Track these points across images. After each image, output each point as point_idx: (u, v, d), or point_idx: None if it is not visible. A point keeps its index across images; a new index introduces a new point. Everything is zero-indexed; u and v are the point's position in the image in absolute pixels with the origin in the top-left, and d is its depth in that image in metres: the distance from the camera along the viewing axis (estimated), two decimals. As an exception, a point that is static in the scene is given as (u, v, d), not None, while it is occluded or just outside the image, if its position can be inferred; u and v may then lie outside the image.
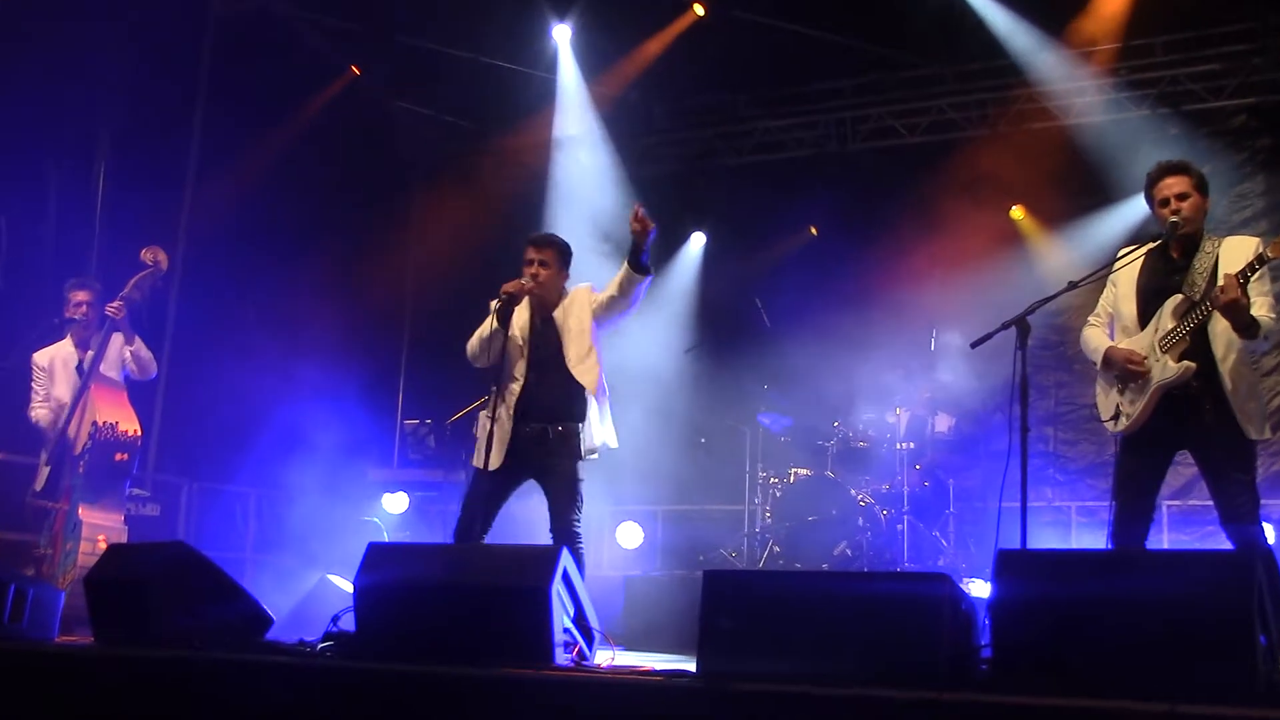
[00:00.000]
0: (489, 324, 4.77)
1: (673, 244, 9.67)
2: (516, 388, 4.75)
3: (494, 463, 4.68)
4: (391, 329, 10.05)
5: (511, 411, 4.71)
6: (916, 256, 8.52)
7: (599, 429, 4.77)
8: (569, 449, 4.69)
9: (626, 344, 8.70)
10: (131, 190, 7.47)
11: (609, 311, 4.79)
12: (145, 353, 5.69)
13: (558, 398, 4.71)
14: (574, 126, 9.42)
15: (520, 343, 4.80)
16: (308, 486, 7.55)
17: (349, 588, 3.97)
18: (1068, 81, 8.45)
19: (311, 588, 6.17)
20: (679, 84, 9.43)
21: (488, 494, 4.66)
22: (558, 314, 4.82)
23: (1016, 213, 8.92)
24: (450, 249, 9.38)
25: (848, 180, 9.18)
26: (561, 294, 4.87)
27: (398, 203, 9.95)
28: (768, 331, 8.35)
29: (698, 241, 9.88)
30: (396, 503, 7.92)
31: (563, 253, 4.88)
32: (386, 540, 7.16)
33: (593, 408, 4.74)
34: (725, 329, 9.14)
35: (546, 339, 4.79)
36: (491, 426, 4.71)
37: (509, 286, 4.71)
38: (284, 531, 7.70)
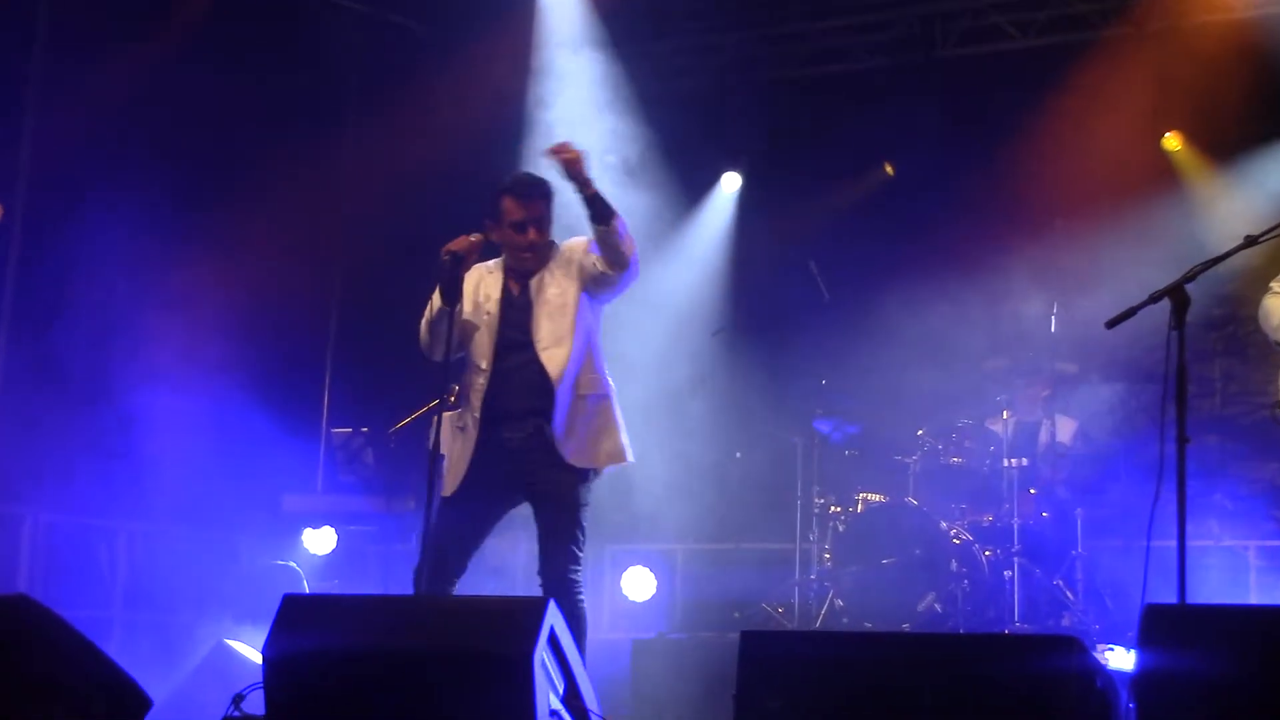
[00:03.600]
0: (434, 300, 4.78)
1: (696, 187, 9.65)
2: (481, 382, 4.76)
3: (450, 487, 4.71)
4: (315, 306, 10.04)
5: (477, 415, 4.73)
6: (1030, 204, 8.50)
7: (604, 438, 4.77)
8: (555, 460, 4.69)
9: (629, 324, 8.68)
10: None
11: (601, 287, 4.81)
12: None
13: (535, 393, 4.73)
14: (563, 29, 9.39)
15: (489, 321, 4.81)
16: (199, 519, 7.54)
17: (256, 656, 3.97)
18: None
19: (205, 657, 6.11)
20: (706, -30, 9.47)
21: (455, 529, 4.68)
22: (534, 281, 4.84)
23: (1171, 142, 8.88)
24: (395, 199, 9.35)
25: (935, 101, 9.16)
26: (548, 255, 4.88)
27: (323, 136, 9.90)
28: (826, 306, 8.34)
29: (730, 184, 9.86)
30: (321, 541, 7.93)
31: (551, 200, 4.89)
32: (307, 592, 7.11)
33: (581, 408, 4.75)
34: (767, 303, 9.14)
35: (520, 315, 4.82)
36: (455, 438, 4.72)
37: (454, 245, 4.72)
38: (166, 580, 7.69)
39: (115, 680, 3.96)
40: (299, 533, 7.94)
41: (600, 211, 4.62)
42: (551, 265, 4.84)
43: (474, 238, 4.75)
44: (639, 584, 8.65)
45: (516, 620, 3.52)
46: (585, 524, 4.71)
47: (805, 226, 9.32)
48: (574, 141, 4.65)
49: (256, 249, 8.83)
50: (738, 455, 9.02)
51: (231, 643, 6.10)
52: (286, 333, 9.26)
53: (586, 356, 4.80)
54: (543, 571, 4.64)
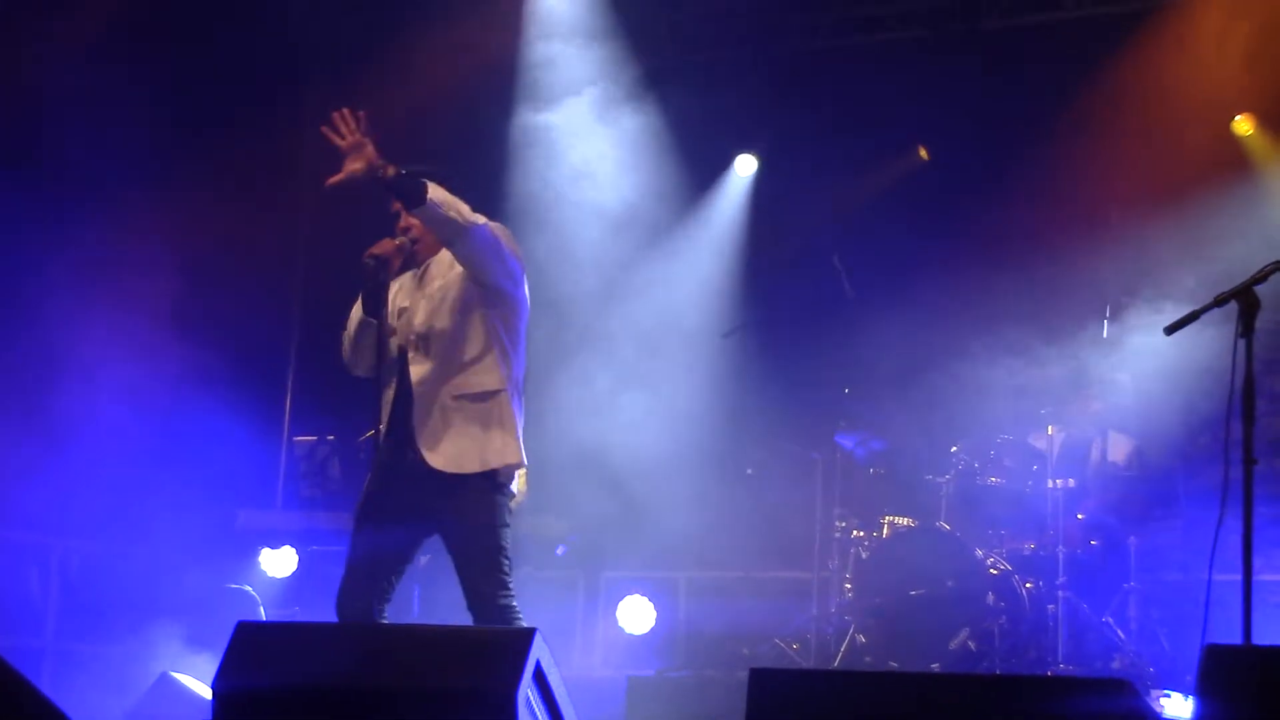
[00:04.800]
0: (355, 311, 4.83)
1: (707, 171, 9.65)
2: (389, 395, 4.84)
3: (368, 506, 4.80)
4: (274, 302, 10.04)
5: (384, 430, 4.81)
6: (1082, 194, 8.49)
7: (488, 439, 4.75)
8: (457, 480, 4.70)
9: (628, 324, 8.71)
10: None
11: (465, 267, 4.79)
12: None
13: (406, 400, 4.77)
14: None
15: (393, 328, 4.88)
16: (142, 536, 7.54)
17: (206, 691, 3.97)
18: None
19: (148, 691, 6.13)
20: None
21: (373, 553, 4.74)
22: (419, 273, 4.93)
23: (1242, 125, 8.87)
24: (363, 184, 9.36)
25: (976, 78, 9.15)
26: (437, 247, 4.91)
27: (283, 113, 9.89)
28: (850, 306, 8.33)
29: (745, 168, 9.87)
30: (280, 562, 7.94)
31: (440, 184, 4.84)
32: (264, 619, 7.15)
33: (460, 410, 4.74)
34: (785, 302, 9.12)
35: (409, 317, 4.88)
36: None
37: (377, 248, 4.79)
38: (106, 605, 7.69)
39: (47, 717, 3.95)
40: (256, 553, 7.93)
41: (404, 198, 4.65)
42: (439, 256, 4.88)
43: (398, 240, 4.80)
44: (636, 615, 8.62)
45: (498, 653, 3.52)
46: (503, 543, 4.69)
47: (828, 216, 9.31)
48: (344, 119, 4.71)
49: (208, 237, 8.81)
50: (749, 472, 9.02)
51: (178, 675, 6.10)
52: (243, 329, 9.24)
53: (475, 351, 4.78)
54: (469, 606, 4.66)
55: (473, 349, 4.77)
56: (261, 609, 7.55)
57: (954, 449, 7.63)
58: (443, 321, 4.77)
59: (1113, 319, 7.57)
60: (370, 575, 4.74)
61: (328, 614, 7.52)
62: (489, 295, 4.80)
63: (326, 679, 3.59)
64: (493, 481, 4.73)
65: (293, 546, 7.95)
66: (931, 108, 9.10)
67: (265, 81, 9.50)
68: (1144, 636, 7.14)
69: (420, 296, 4.84)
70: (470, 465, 4.71)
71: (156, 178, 8.56)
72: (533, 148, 9.01)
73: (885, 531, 7.53)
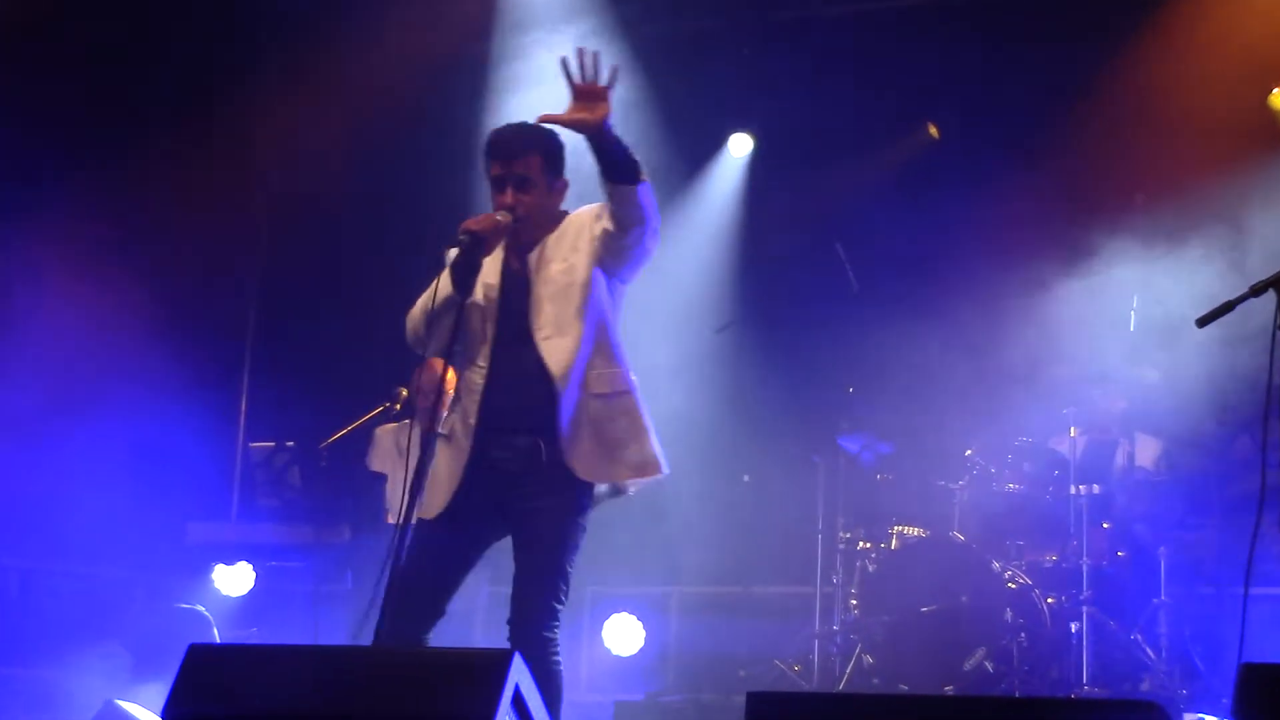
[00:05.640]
0: (437, 286, 4.70)
1: (698, 151, 9.66)
2: (479, 382, 4.74)
3: (438, 505, 4.66)
4: (228, 297, 10.04)
5: (472, 423, 4.70)
6: (1106, 174, 8.50)
7: (626, 446, 4.72)
8: (558, 481, 4.67)
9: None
10: None
11: (612, 256, 4.77)
12: None
13: (534, 395, 4.70)
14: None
15: (488, 308, 4.78)
16: (85, 553, 7.56)
17: (152, 721, 3.96)
18: None
19: (90, 721, 6.16)
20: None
21: (440, 554, 4.67)
22: (533, 256, 4.81)
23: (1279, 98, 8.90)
24: (329, 168, 9.36)
25: (990, 47, 9.16)
26: (551, 223, 4.85)
27: (238, 91, 9.88)
28: (854, 298, 8.35)
29: (740, 148, 9.89)
30: (235, 579, 7.94)
31: (551, 156, 4.82)
32: (218, 641, 7.08)
33: (593, 409, 4.71)
34: (783, 293, 9.13)
35: (519, 299, 4.79)
36: (423, 451, 4.66)
37: (475, 223, 4.66)
38: (44, 627, 7.68)
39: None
40: (209, 569, 7.94)
41: (614, 167, 4.56)
42: (556, 237, 4.82)
43: (501, 217, 4.68)
44: (624, 635, 8.64)
45: (474, 676, 3.50)
46: (571, 570, 4.67)
47: (830, 201, 9.33)
48: (589, 58, 4.50)
49: (156, 229, 8.81)
50: (745, 479, 9.03)
51: (123, 704, 6.09)
52: (194, 328, 9.25)
53: (599, 347, 4.77)
54: (513, 621, 4.61)
55: (595, 342, 4.75)
56: (215, 631, 7.53)
57: (968, 452, 7.63)
58: (562, 308, 4.73)
59: (1140, 310, 7.58)
60: (434, 593, 4.66)
61: (286, 635, 7.56)
62: (615, 290, 4.84)
63: (286, 707, 3.57)
64: (607, 492, 4.78)
65: (249, 562, 7.95)
66: (942, 81, 9.11)
67: (214, 68, 9.47)
68: (1175, 655, 7.14)
69: (539, 281, 4.75)
70: (603, 473, 4.71)
71: (105, 173, 8.55)
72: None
73: (894, 543, 7.54)
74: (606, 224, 4.70)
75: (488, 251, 4.67)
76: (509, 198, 4.72)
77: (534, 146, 4.78)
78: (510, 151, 4.77)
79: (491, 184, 4.77)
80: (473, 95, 9.12)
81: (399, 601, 4.35)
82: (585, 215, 4.83)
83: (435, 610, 4.66)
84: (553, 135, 4.79)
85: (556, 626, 4.62)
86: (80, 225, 8.49)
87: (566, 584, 4.65)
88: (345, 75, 9.32)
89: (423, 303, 4.76)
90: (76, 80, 8.46)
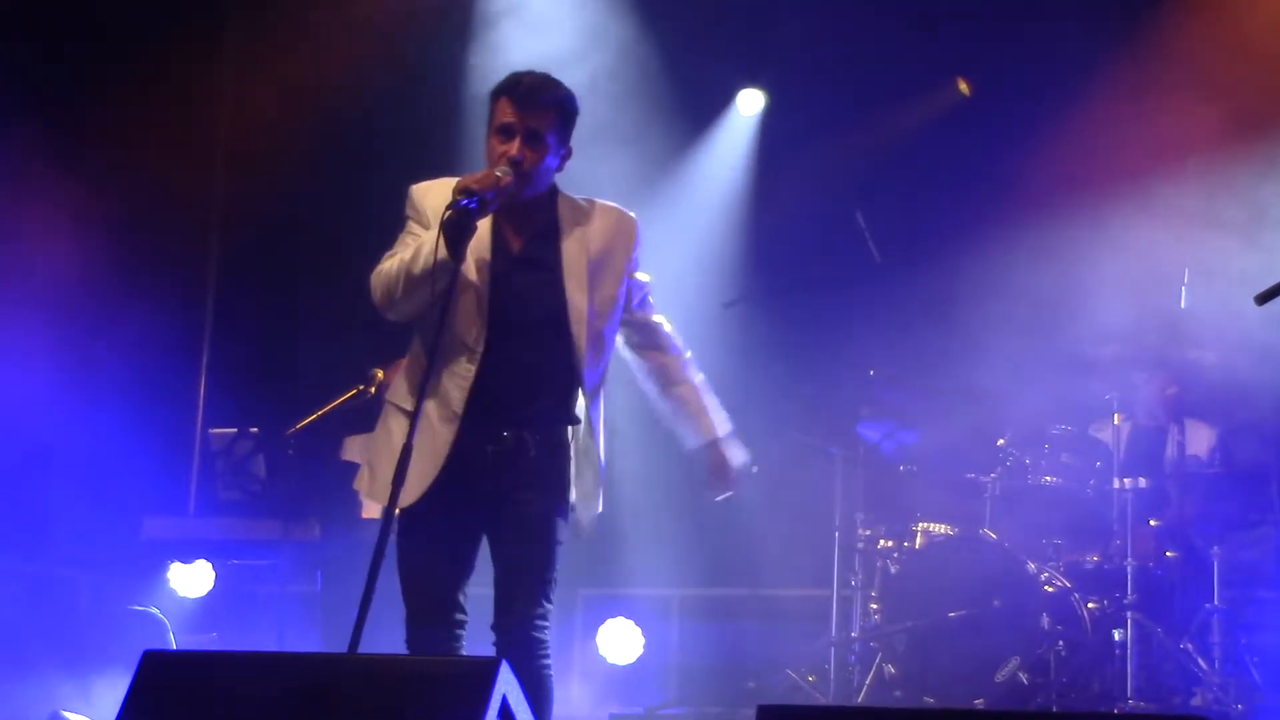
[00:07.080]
0: (426, 245, 4.63)
1: (707, 109, 9.69)
2: (469, 366, 4.72)
3: (414, 494, 4.62)
4: (186, 267, 10.03)
5: (459, 409, 4.69)
6: (1152, 135, 8.49)
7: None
8: (549, 481, 4.74)
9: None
10: None
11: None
12: None
13: (544, 380, 4.76)
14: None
15: (478, 284, 4.74)
16: (28, 550, 7.54)
17: (103, 734, 3.96)
18: None
19: (35, 736, 6.17)
20: None
21: (432, 558, 4.73)
22: (564, 241, 4.84)
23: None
24: (298, 125, 9.34)
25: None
26: (545, 194, 4.86)
27: (199, 41, 9.87)
28: (875, 271, 8.35)
29: (750, 104, 9.89)
30: (193, 579, 7.95)
31: (567, 119, 4.83)
32: (174, 647, 7.15)
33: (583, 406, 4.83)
34: (798, 266, 9.14)
35: (532, 274, 4.80)
36: (407, 438, 4.63)
37: (475, 181, 4.62)
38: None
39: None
40: (164, 568, 7.95)
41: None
42: (594, 231, 4.87)
43: (502, 174, 4.64)
44: (620, 642, 8.67)
45: (457, 686, 3.53)
46: (558, 564, 4.75)
47: (849, 164, 9.33)
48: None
49: (106, 197, 8.81)
50: (754, 470, 9.00)
51: (70, 716, 6.10)
52: (148, 305, 9.22)
53: (602, 348, 4.93)
54: (499, 624, 4.67)
55: (604, 344, 4.92)
56: (171, 635, 7.55)
57: (1000, 442, 7.66)
58: (601, 294, 4.87)
59: (1192, 286, 7.58)
60: (434, 581, 4.73)
61: (249, 640, 7.56)
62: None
63: (249, 717, 3.57)
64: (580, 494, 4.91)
65: (208, 560, 7.96)
66: (973, 34, 9.10)
67: (172, 18, 9.46)
68: (1230, 666, 7.15)
69: (577, 251, 4.82)
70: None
71: (50, 122, 8.56)
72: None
73: (918, 541, 7.56)
74: (633, 334, 5.20)
75: (486, 211, 4.64)
76: (515, 149, 4.69)
77: (555, 103, 4.79)
78: (531, 100, 4.74)
79: (496, 131, 4.75)
80: (455, 43, 9.10)
81: (412, 603, 4.68)
82: (627, 234, 4.99)
83: (449, 603, 4.71)
84: (574, 99, 4.84)
85: (547, 628, 4.69)
86: (26, 195, 8.50)
87: (554, 579, 4.73)
88: (325, 11, 9.33)
89: (398, 259, 4.71)
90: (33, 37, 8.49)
